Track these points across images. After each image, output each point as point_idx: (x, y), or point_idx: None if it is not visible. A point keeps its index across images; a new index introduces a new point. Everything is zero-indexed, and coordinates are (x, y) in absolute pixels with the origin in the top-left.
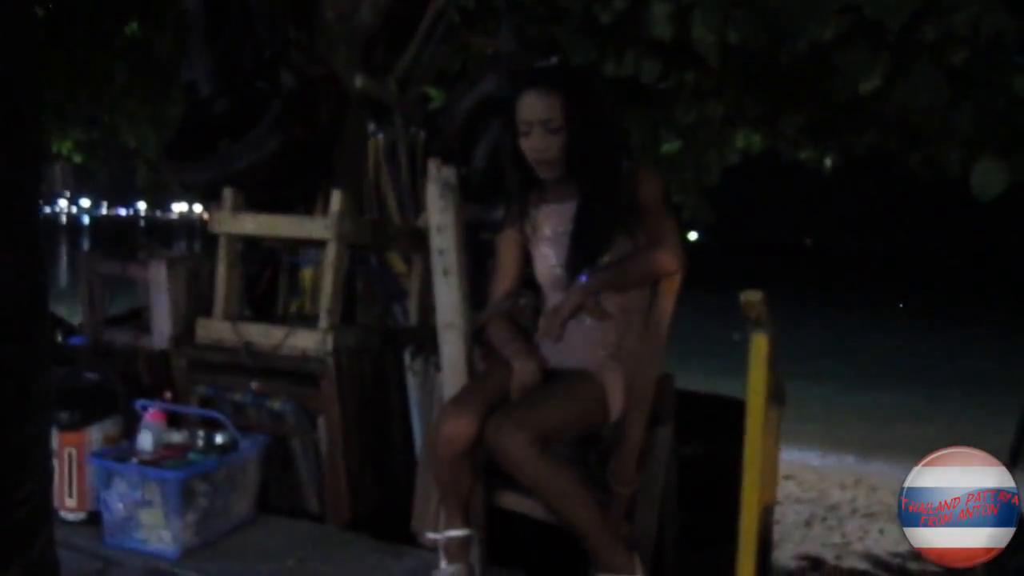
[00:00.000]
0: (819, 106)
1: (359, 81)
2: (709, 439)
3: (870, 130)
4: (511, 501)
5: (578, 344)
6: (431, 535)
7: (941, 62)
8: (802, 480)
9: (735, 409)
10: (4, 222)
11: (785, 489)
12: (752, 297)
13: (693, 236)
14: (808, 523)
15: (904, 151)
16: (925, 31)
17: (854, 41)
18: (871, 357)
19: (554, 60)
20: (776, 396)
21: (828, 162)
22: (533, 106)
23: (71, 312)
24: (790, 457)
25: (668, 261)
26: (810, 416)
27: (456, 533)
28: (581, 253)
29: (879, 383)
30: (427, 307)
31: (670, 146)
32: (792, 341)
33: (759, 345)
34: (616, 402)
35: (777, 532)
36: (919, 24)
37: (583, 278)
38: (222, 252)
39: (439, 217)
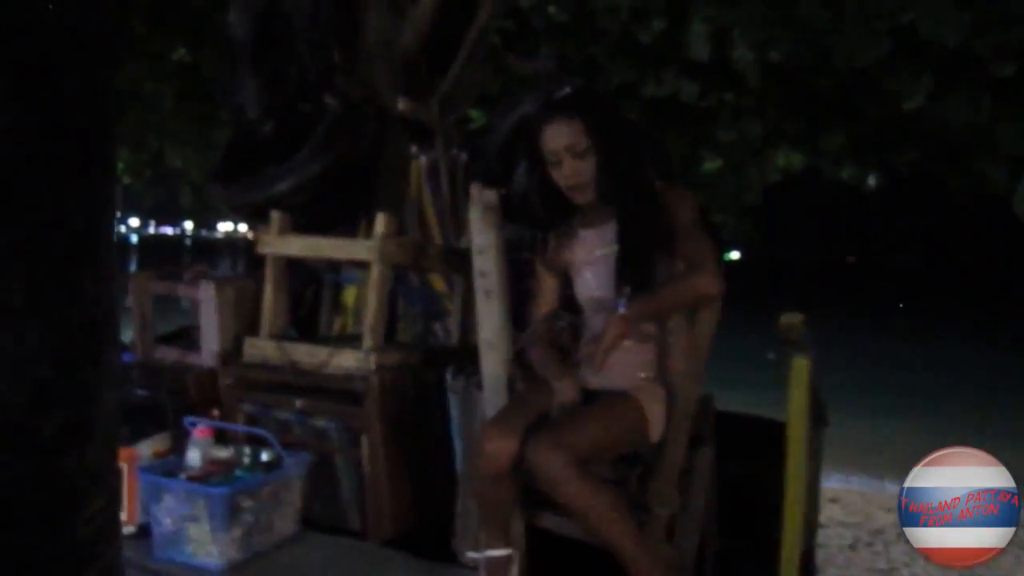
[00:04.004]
0: (860, 124)
1: (401, 103)
2: (751, 461)
3: (912, 149)
4: (551, 521)
5: (618, 365)
6: (471, 555)
7: (985, 79)
8: (847, 503)
9: (777, 431)
10: (84, 254)
11: (829, 512)
12: (792, 320)
13: (734, 255)
14: (853, 547)
15: (947, 169)
16: (976, 46)
17: (899, 61)
18: (917, 377)
19: (567, 89)
20: (818, 418)
21: (870, 180)
22: (557, 135)
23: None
24: (834, 479)
25: (708, 285)
26: (855, 438)
27: (497, 553)
28: (630, 273)
29: (924, 403)
30: (468, 327)
31: (710, 165)
32: (836, 361)
33: (800, 368)
34: (656, 423)
35: (821, 556)
36: (970, 40)
37: (620, 307)
38: (269, 273)
39: (481, 239)
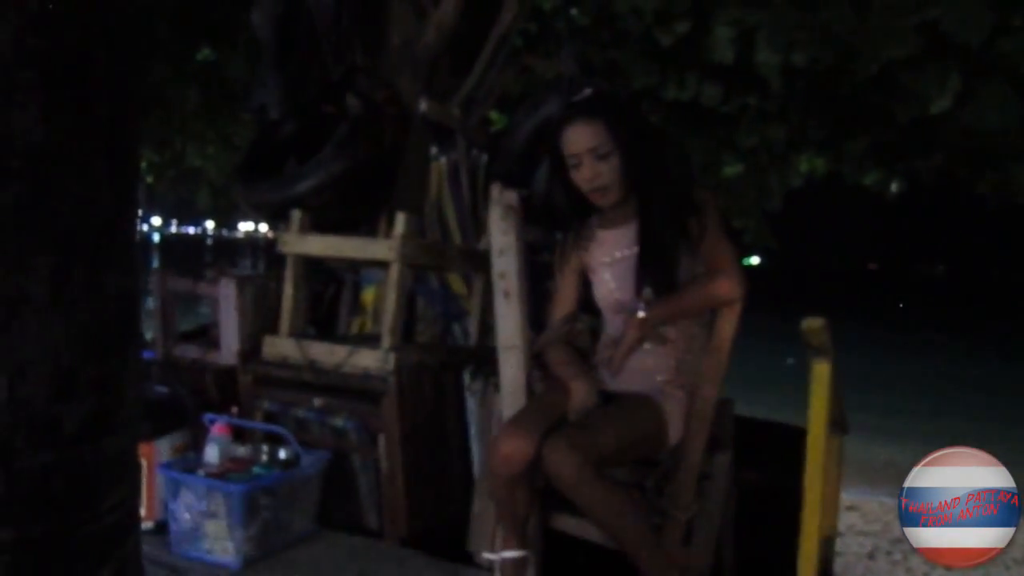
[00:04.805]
0: (884, 129)
1: (423, 104)
2: (770, 466)
3: (937, 153)
4: (567, 523)
5: (637, 368)
6: (487, 555)
7: (1013, 79)
8: (866, 512)
9: (797, 436)
10: (108, 249)
11: (848, 520)
12: (814, 324)
13: (755, 260)
14: (872, 556)
15: (973, 175)
16: (1002, 45)
17: (925, 61)
18: (939, 386)
19: (588, 92)
20: (838, 424)
21: (894, 186)
22: (578, 137)
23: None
24: (855, 491)
25: (729, 289)
26: (875, 452)
27: (512, 554)
28: (650, 275)
29: (945, 413)
30: (486, 327)
31: (732, 169)
32: (856, 368)
33: (820, 373)
34: (674, 427)
35: (839, 564)
36: (995, 39)
37: (640, 312)
38: (289, 272)
39: (501, 240)
